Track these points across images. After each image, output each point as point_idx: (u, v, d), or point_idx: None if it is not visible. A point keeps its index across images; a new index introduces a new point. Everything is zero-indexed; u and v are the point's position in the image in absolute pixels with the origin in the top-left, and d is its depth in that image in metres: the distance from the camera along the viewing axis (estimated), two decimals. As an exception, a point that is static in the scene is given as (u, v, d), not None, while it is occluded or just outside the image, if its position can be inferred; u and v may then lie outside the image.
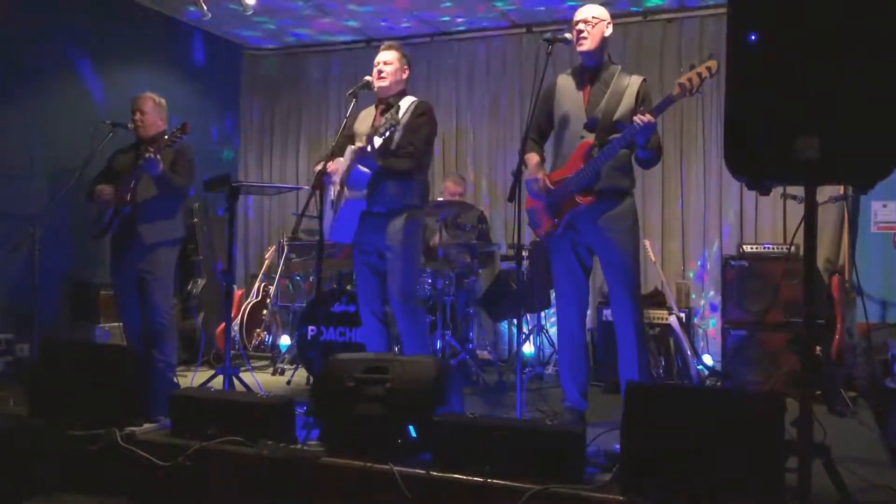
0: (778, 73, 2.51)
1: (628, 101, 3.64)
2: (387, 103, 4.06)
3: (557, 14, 6.34)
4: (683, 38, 6.20)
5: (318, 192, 3.98)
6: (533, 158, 3.77)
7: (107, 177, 4.61)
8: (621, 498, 2.63)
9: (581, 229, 3.69)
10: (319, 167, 3.98)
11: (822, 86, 2.45)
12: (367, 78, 4.05)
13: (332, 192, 4.01)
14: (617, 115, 3.62)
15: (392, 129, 3.71)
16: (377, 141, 3.74)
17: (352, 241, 4.03)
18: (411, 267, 4.01)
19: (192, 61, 6.95)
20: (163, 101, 4.70)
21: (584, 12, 3.69)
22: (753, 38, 2.52)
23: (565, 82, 3.81)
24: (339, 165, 3.99)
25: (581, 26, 3.66)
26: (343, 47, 7.31)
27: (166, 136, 4.39)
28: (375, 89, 4.06)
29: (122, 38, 6.21)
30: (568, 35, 3.64)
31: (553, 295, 6.11)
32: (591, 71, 3.74)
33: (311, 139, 7.45)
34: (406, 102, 4.02)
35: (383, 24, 6.74)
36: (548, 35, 3.60)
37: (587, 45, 3.66)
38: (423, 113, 3.97)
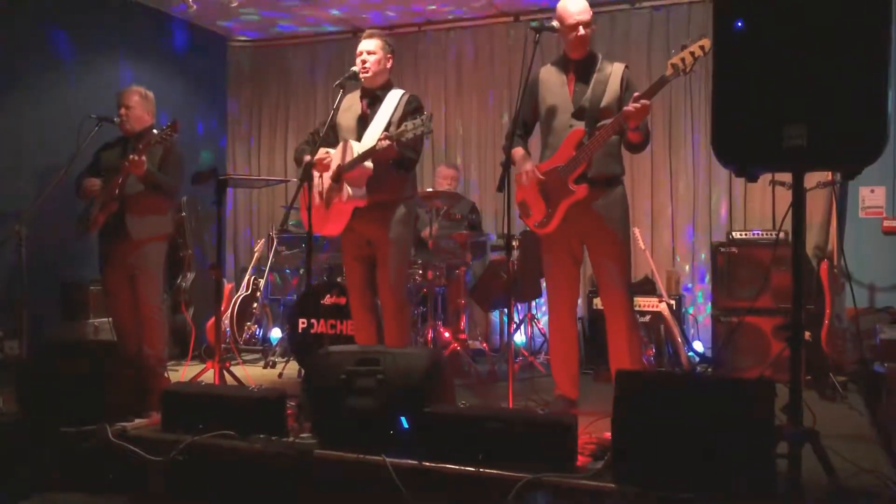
0: (764, 60, 2.51)
1: (613, 88, 3.66)
2: (373, 95, 4.04)
3: (544, 1, 6.32)
4: (671, 26, 6.20)
5: (306, 185, 3.97)
6: (518, 151, 3.77)
7: (93, 171, 4.58)
8: (613, 486, 2.64)
9: (573, 218, 3.69)
10: (308, 158, 3.96)
11: (808, 72, 2.46)
12: (355, 69, 4.02)
13: (322, 184, 3.99)
14: (604, 103, 3.64)
15: (423, 136, 3.71)
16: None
17: (342, 232, 4.03)
18: (404, 258, 4.04)
19: (178, 54, 6.91)
20: (150, 94, 4.65)
21: (585, 11, 3.65)
22: (740, 24, 2.53)
23: (549, 74, 3.80)
24: (332, 158, 3.98)
25: (583, 31, 3.64)
26: (329, 38, 7.28)
27: (155, 132, 4.35)
28: (361, 79, 4.03)
29: (107, 32, 6.16)
30: (555, 23, 3.63)
31: (543, 284, 6.13)
32: (575, 62, 3.74)
33: (299, 131, 7.41)
34: (395, 96, 4.01)
35: (369, 14, 6.71)
36: (535, 23, 3.59)
37: (587, 44, 3.66)
38: (415, 109, 3.97)
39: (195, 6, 5.99)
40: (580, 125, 3.63)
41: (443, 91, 6.92)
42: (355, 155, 3.87)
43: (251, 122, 7.65)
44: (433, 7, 6.53)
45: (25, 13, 5.53)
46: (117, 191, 4.34)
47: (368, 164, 3.84)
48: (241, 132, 7.67)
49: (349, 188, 3.87)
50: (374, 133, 3.91)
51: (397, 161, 3.87)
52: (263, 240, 6.67)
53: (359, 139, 3.96)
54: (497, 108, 6.75)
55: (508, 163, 3.47)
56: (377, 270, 4.04)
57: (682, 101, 6.16)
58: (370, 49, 3.98)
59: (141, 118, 4.56)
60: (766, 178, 5.11)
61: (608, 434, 2.88)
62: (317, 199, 4.02)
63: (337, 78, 4.03)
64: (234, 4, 6.04)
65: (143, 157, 4.21)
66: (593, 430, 3.18)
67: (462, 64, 6.89)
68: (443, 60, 6.94)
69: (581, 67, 3.72)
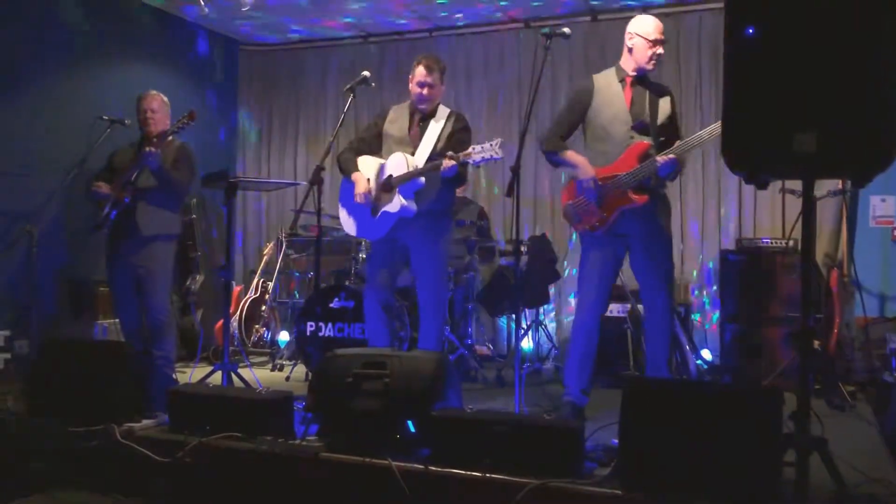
0: (775, 68, 2.51)
1: (665, 108, 3.82)
2: (424, 112, 4.13)
3: (555, 8, 6.33)
4: (681, 33, 6.19)
5: (316, 188, 3.99)
6: (579, 156, 3.83)
7: (107, 173, 4.60)
8: (619, 492, 2.63)
9: (625, 225, 3.75)
10: (354, 169, 4.09)
11: (819, 79, 2.45)
12: (365, 73, 4.05)
13: (370, 190, 4.04)
14: (660, 121, 3.80)
15: (492, 161, 3.76)
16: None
17: (383, 236, 4.10)
18: (445, 268, 4.18)
19: (190, 57, 6.94)
20: (166, 99, 4.71)
21: (663, 31, 3.79)
22: (751, 31, 2.52)
23: (604, 84, 3.87)
24: (375, 166, 4.07)
25: (661, 49, 3.77)
26: (341, 43, 7.30)
27: (173, 125, 4.40)
28: (418, 107, 4.11)
29: (120, 35, 6.20)
30: (566, 30, 3.64)
31: (552, 290, 6.13)
32: (634, 78, 3.83)
33: (310, 135, 7.45)
34: (443, 113, 4.13)
35: (382, 19, 6.73)
36: (546, 29, 3.60)
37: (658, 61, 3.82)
38: (464, 127, 4.09)
39: (207, 10, 6.02)
40: (642, 139, 3.73)
41: (452, 96, 6.91)
42: (409, 168, 3.94)
43: (262, 125, 7.68)
44: (444, 13, 6.55)
45: (40, 14, 5.57)
46: (130, 186, 4.36)
47: (423, 179, 3.93)
48: (252, 135, 7.70)
49: (402, 199, 3.94)
50: (426, 147, 4.02)
51: (453, 179, 3.95)
52: (273, 243, 6.69)
53: (410, 152, 4.04)
54: (506, 113, 6.75)
55: (518, 168, 3.46)
56: (418, 277, 4.14)
57: (692, 108, 6.15)
58: (432, 83, 4.06)
59: (163, 121, 4.61)
60: (775, 185, 5.10)
61: (615, 440, 2.87)
62: (362, 204, 4.07)
63: (348, 82, 4.05)
64: (246, 9, 6.07)
65: (158, 150, 4.26)
66: (600, 437, 3.17)
67: (472, 70, 6.89)
68: (453, 66, 6.93)
69: (637, 82, 3.83)
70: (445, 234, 4.15)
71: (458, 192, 5.93)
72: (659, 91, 3.86)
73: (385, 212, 4.01)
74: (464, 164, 3.80)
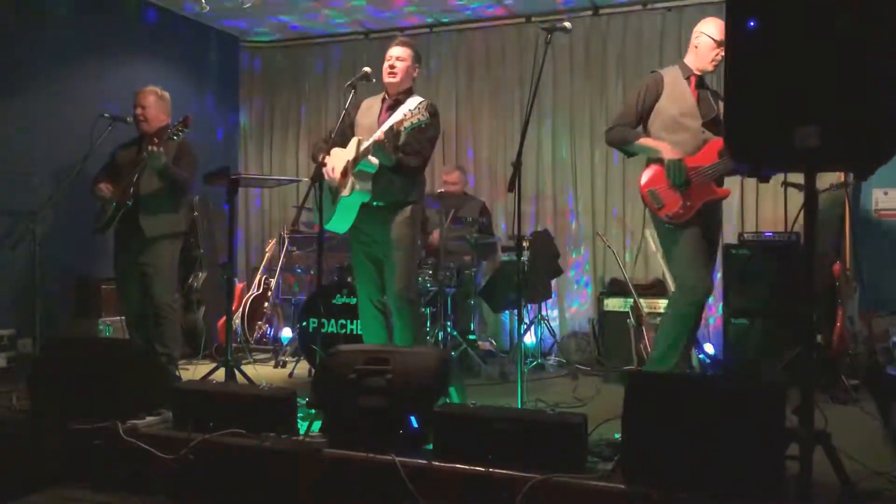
0: (778, 60, 2.50)
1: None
2: (394, 99, 4.07)
3: (556, 3, 6.32)
4: (683, 27, 6.16)
5: (317, 185, 3.98)
6: (657, 140, 3.84)
7: (109, 171, 4.61)
8: (623, 487, 2.64)
9: (704, 213, 3.80)
10: (322, 158, 3.98)
11: (821, 72, 2.45)
12: (366, 69, 4.03)
13: (333, 181, 4.00)
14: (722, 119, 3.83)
15: (421, 125, 3.74)
16: (401, 136, 3.81)
17: (349, 231, 4.05)
18: (409, 261, 4.04)
19: (191, 54, 6.94)
20: (166, 94, 4.69)
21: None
22: (752, 24, 2.52)
23: (671, 78, 3.92)
24: (342, 156, 3.99)
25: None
26: (342, 39, 7.30)
27: (168, 130, 4.40)
28: (385, 83, 4.06)
29: (121, 32, 6.20)
30: (567, 24, 3.63)
31: (553, 285, 6.12)
32: (697, 78, 3.90)
33: (311, 131, 7.43)
34: (414, 102, 4.03)
35: (382, 14, 6.72)
36: (547, 24, 3.59)
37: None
38: (431, 114, 3.98)
39: (208, 7, 6.01)
40: (712, 136, 3.78)
41: (454, 92, 6.92)
42: (359, 151, 3.90)
43: (263, 122, 7.67)
44: (446, 8, 6.53)
45: (40, 13, 5.57)
46: (132, 189, 4.38)
47: (374, 160, 3.86)
48: (253, 132, 7.70)
49: (355, 182, 3.90)
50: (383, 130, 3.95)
51: (395, 168, 3.89)
52: (275, 239, 6.69)
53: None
54: (508, 108, 6.74)
55: (519, 163, 3.45)
56: (384, 272, 4.05)
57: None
58: (401, 56, 4.05)
59: (157, 117, 4.60)
60: (777, 178, 5.08)
61: (618, 435, 2.87)
62: (326, 196, 4.03)
63: (349, 79, 4.04)
64: (248, 5, 6.06)
65: (162, 149, 4.26)
66: (603, 431, 3.17)
67: (473, 65, 6.88)
68: (454, 61, 6.94)
69: (699, 81, 3.90)
70: (407, 224, 4.00)
71: (454, 185, 5.94)
72: (716, 93, 3.94)
73: (342, 198, 3.95)
74: (402, 140, 3.80)
